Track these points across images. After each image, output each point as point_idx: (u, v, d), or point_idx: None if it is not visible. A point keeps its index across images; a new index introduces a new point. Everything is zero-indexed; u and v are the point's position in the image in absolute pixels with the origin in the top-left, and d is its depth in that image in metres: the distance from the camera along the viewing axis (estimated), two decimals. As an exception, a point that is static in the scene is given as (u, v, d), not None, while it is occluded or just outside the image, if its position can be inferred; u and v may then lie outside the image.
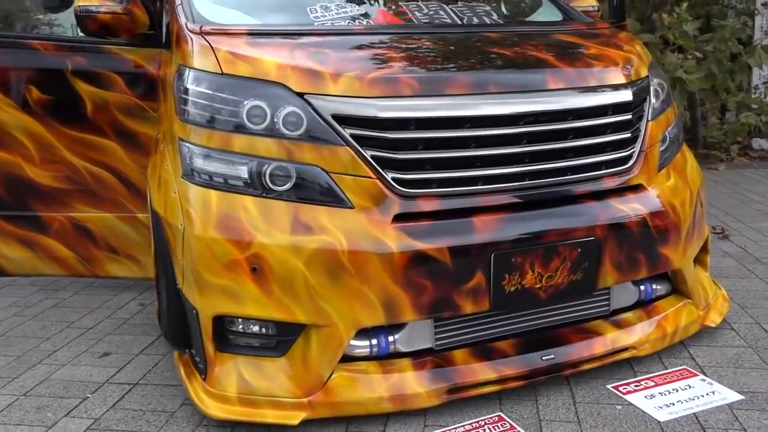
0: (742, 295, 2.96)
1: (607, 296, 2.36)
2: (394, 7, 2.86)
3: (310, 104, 2.03)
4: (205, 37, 2.24)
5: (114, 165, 2.91)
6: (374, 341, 2.09)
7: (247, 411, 2.03)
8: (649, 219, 2.26)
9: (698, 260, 2.63)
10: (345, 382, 2.04)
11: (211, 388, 2.08)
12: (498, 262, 2.05)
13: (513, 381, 2.16)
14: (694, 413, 2.06)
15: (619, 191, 2.29)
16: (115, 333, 2.88)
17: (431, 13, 2.71)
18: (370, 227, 1.99)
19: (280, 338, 2.07)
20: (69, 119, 2.85)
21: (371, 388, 2.05)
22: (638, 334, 2.35)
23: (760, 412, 2.06)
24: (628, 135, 2.32)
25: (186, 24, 2.35)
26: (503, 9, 3.23)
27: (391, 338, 2.10)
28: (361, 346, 2.09)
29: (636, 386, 2.24)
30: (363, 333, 2.07)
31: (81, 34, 2.80)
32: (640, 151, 2.35)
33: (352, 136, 2.02)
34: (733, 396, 2.15)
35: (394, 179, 2.03)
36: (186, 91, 2.16)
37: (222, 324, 2.09)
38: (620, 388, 2.23)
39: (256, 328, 2.10)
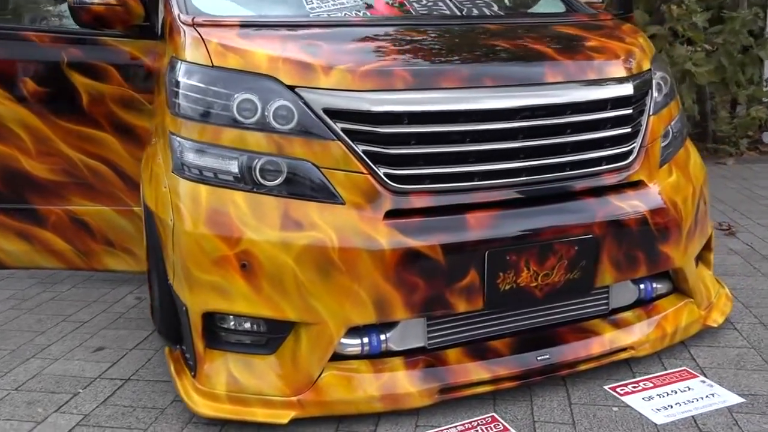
0: (746, 294, 2.90)
1: (606, 295, 2.31)
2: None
3: (301, 98, 1.99)
4: (197, 28, 2.21)
5: (110, 158, 2.88)
6: (365, 340, 2.05)
7: (236, 409, 2.01)
8: (649, 216, 2.21)
9: (701, 258, 2.58)
10: (335, 381, 2.01)
11: (201, 385, 2.05)
12: (492, 259, 2.00)
13: (507, 381, 2.12)
14: (692, 416, 2.02)
15: (619, 188, 2.24)
16: (110, 327, 2.86)
17: (430, 4, 2.66)
18: (361, 224, 1.95)
19: (270, 336, 2.04)
20: (65, 111, 2.83)
21: (362, 387, 2.01)
22: (637, 334, 2.30)
23: (761, 415, 2.01)
24: (629, 130, 2.26)
25: (179, 15, 2.32)
26: (505, 0, 3.17)
27: (382, 337, 2.07)
28: (353, 344, 2.05)
29: (634, 387, 2.19)
30: (354, 331, 2.04)
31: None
32: (640, 147, 2.29)
33: (344, 130, 1.98)
34: (734, 399, 2.10)
35: (386, 175, 1.99)
36: (177, 83, 2.13)
37: (212, 321, 2.06)
38: (618, 389, 2.18)
39: (246, 325, 2.07)
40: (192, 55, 2.13)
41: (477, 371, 2.09)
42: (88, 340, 2.74)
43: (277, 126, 1.99)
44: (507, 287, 2.04)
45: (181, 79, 2.11)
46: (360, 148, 1.98)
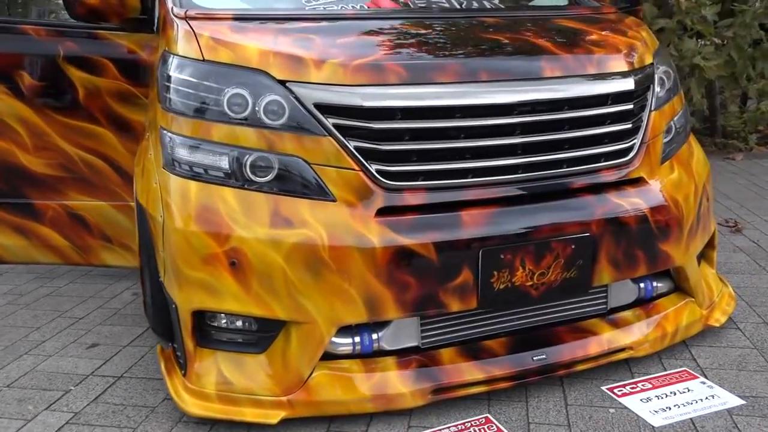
0: (751, 293, 2.84)
1: (604, 294, 2.27)
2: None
3: (292, 92, 1.96)
4: (189, 22, 2.17)
5: (107, 153, 2.86)
6: (357, 339, 2.02)
7: (225, 408, 1.98)
8: (649, 214, 2.16)
9: (703, 256, 2.53)
10: (326, 380, 1.98)
11: (191, 384, 2.03)
12: (486, 258, 1.96)
13: (502, 382, 2.08)
14: (690, 418, 1.97)
15: (619, 185, 2.19)
16: (105, 324, 2.84)
17: (429, -3, 2.61)
18: (352, 221, 1.92)
19: (261, 334, 2.01)
20: (61, 106, 2.81)
21: (353, 387, 1.98)
22: (636, 333, 2.25)
23: (761, 418, 1.96)
24: (629, 126, 2.21)
25: (172, 8, 2.28)
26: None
27: (375, 336, 2.03)
28: (344, 343, 2.02)
29: (632, 388, 2.15)
30: (346, 330, 2.01)
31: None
32: (641, 143, 2.24)
33: (335, 126, 1.94)
34: (734, 401, 2.05)
35: (378, 171, 1.95)
36: (168, 78, 2.09)
37: (202, 319, 2.03)
38: (615, 390, 2.14)
39: (237, 324, 2.04)
40: (183, 48, 2.10)
41: (471, 371, 2.06)
42: (83, 336, 2.72)
43: (267, 121, 1.96)
44: (502, 286, 2.00)
45: (173, 73, 2.08)
46: (352, 144, 1.94)
